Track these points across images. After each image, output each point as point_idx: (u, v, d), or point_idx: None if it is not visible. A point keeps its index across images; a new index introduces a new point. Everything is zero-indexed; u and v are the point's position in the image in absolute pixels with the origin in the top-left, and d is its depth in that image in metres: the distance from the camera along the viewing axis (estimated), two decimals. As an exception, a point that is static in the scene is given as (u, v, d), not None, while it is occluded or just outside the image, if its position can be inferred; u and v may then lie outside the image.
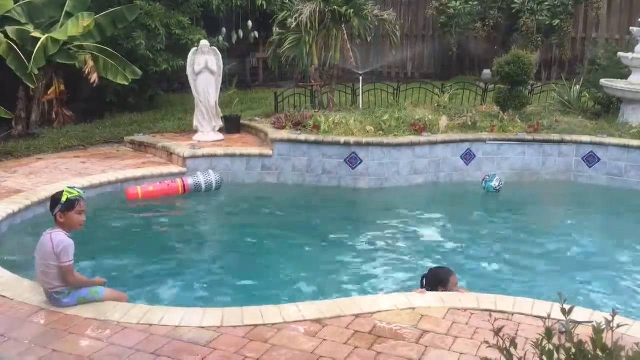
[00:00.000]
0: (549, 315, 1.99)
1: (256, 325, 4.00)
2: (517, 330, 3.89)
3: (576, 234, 7.46)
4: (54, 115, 10.47)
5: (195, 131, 9.54)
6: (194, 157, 8.62)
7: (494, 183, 8.53)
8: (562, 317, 1.97)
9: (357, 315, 4.14)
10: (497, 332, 1.96)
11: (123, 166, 8.55)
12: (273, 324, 4.01)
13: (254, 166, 8.84)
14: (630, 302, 5.54)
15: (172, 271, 6.01)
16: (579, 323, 2.03)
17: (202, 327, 3.98)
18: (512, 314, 4.15)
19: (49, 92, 10.34)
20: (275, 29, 10.88)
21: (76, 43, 10.11)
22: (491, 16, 14.43)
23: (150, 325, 4.01)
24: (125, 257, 6.24)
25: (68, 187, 4.36)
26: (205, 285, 5.77)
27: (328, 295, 5.43)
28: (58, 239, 4.17)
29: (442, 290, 4.73)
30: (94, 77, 9.88)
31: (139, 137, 9.82)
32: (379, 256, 6.63)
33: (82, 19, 9.83)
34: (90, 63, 9.91)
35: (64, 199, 4.21)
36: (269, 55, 11.33)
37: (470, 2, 14.35)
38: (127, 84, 10.25)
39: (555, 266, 6.43)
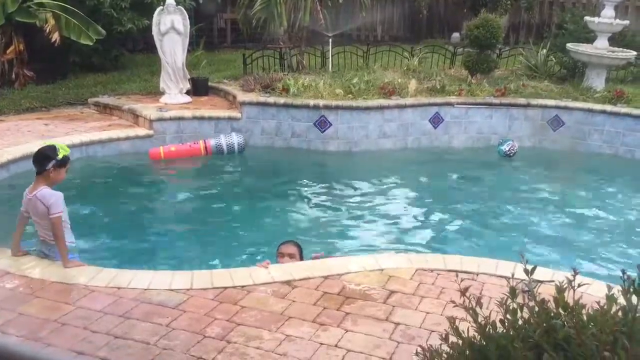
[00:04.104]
0: (512, 275, 2.03)
1: (226, 288, 4.01)
2: (482, 289, 3.99)
3: (536, 196, 7.62)
4: (14, 76, 10.13)
5: (162, 93, 9.36)
6: (161, 119, 8.48)
7: (505, 147, 8.61)
8: (525, 277, 2.02)
9: (326, 277, 4.19)
10: (463, 292, 2.00)
11: (87, 128, 8.37)
12: (243, 286, 4.04)
13: (223, 129, 8.73)
14: (588, 261, 5.73)
15: (137, 235, 5.97)
16: (542, 282, 2.09)
17: (172, 290, 3.98)
18: (477, 274, 4.25)
19: (7, 52, 9.98)
20: (245, -11, 10.63)
21: (36, 0, 9.73)
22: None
23: (119, 288, 4.00)
24: (89, 221, 6.17)
25: (59, 144, 4.43)
26: (173, 249, 5.76)
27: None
28: (46, 195, 4.25)
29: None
30: (56, 36, 9.53)
31: (104, 99, 9.58)
32: (347, 218, 6.69)
33: (41, -26, 9.46)
34: (52, 21, 9.55)
35: (60, 155, 4.29)
36: (239, 17, 11.10)
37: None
38: (90, 44, 9.93)
39: (516, 228, 6.58)
